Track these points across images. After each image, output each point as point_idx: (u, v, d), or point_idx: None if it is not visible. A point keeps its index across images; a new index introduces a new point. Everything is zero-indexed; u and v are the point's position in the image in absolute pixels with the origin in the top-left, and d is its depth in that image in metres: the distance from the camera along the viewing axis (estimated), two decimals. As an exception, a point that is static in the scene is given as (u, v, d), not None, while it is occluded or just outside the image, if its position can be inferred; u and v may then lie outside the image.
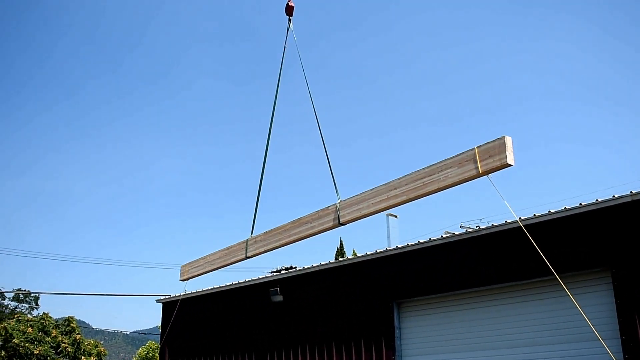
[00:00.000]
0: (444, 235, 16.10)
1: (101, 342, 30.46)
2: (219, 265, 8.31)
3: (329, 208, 6.69)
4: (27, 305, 63.30)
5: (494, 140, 5.15)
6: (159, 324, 25.72)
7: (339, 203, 6.55)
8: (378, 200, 6.07)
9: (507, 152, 5.02)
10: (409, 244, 16.75)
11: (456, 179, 5.39)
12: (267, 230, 7.58)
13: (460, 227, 24.42)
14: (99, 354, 28.38)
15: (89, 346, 28.10)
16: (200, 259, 8.76)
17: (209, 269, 8.50)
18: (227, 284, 22.06)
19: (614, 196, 13.15)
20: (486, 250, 15.12)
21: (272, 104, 7.22)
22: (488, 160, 5.15)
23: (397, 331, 16.70)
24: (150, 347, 37.58)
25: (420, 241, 16.46)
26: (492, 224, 15.19)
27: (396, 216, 25.27)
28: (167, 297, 24.93)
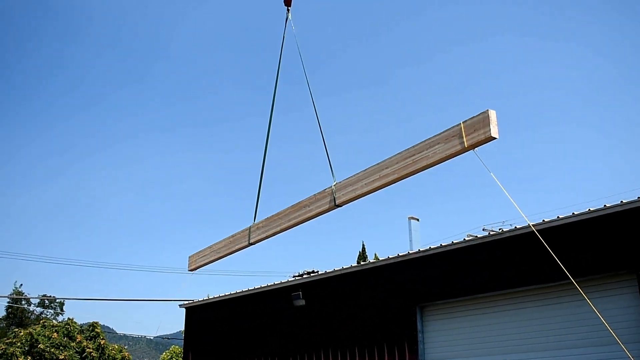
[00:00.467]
0: (466, 238, 16.12)
1: (125, 347, 31.00)
2: (225, 253, 8.56)
3: (326, 191, 6.89)
4: (52, 311, 64.63)
5: (478, 115, 5.29)
6: (182, 328, 26.08)
7: (334, 185, 6.74)
8: (371, 180, 6.26)
9: (491, 126, 5.15)
10: (432, 247, 16.79)
11: (443, 155, 5.55)
12: (268, 216, 7.81)
13: (483, 229, 24.26)
14: (123, 359, 28.87)
15: (113, 351, 28.63)
16: (207, 248, 9.02)
17: (215, 257, 8.75)
18: (250, 289, 22.32)
19: (639, 197, 13.07)
20: (509, 253, 15.08)
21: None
22: (473, 135, 5.29)
23: (420, 335, 16.72)
24: (174, 352, 38.04)
25: (443, 244, 16.48)
26: (515, 227, 15.16)
27: (418, 219, 25.26)
28: (190, 302, 25.28)
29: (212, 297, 24.22)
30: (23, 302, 64.88)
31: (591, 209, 13.81)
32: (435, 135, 5.67)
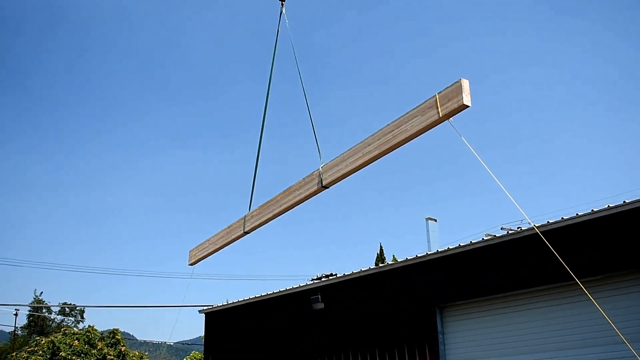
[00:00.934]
0: (484, 238, 16.07)
1: (146, 354, 31.40)
2: (222, 244, 8.72)
3: (313, 173, 7.03)
4: (73, 319, 65.74)
5: (451, 85, 5.38)
6: (202, 334, 26.33)
7: (321, 167, 6.87)
8: (355, 158, 6.37)
9: (463, 94, 5.23)
10: (450, 247, 16.76)
11: (420, 127, 5.64)
12: (262, 204, 7.97)
13: (501, 229, 24.04)
14: (143, 365, 29.23)
15: (134, 358, 29.04)
16: (205, 241, 9.21)
17: (213, 249, 8.91)
18: (269, 293, 22.47)
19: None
20: (528, 252, 15.00)
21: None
22: (447, 104, 5.38)
23: (440, 336, 16.69)
24: (194, 358, 38.37)
25: (461, 244, 16.44)
26: (534, 225, 15.07)
27: (436, 220, 25.21)
28: (209, 307, 25.53)
29: (231, 302, 24.42)
30: (44, 311, 66.14)
31: (610, 205, 13.74)
32: (413, 109, 5.77)
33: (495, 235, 15.97)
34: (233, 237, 8.44)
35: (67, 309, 65.94)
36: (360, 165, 6.32)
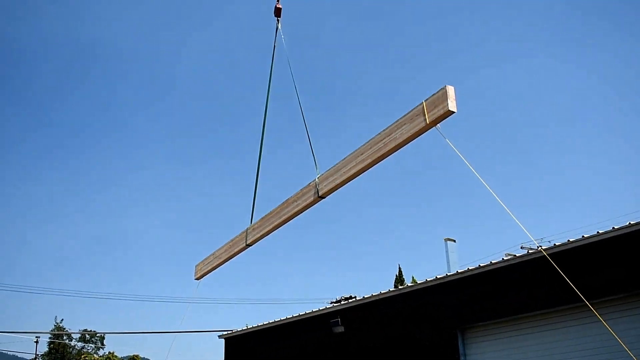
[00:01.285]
0: (505, 258, 16.07)
1: (164, 380, 31.47)
2: (225, 257, 8.97)
3: (310, 184, 7.27)
4: (93, 345, 66.39)
5: (437, 91, 5.58)
6: (222, 359, 26.48)
7: (318, 178, 7.11)
8: (349, 167, 6.59)
9: (448, 100, 5.43)
10: (470, 268, 16.77)
11: (409, 134, 5.84)
12: (262, 216, 8.24)
13: (521, 247, 23.93)
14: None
15: (152, 384, 29.18)
16: (210, 255, 9.47)
17: (217, 263, 9.16)
18: (288, 317, 22.60)
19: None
20: (550, 271, 14.95)
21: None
22: (434, 111, 5.57)
23: (462, 359, 16.64)
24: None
25: (481, 265, 16.45)
26: (554, 244, 15.05)
27: (454, 240, 25.25)
28: (229, 332, 25.71)
29: (250, 327, 24.61)
30: (64, 338, 66.88)
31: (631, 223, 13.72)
32: (401, 117, 5.99)
33: (515, 255, 15.96)
34: (236, 250, 8.69)
35: (87, 336, 66.72)
36: (354, 174, 6.52)
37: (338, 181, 6.69)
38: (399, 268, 39.30)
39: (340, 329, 20.33)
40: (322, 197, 6.99)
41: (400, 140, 5.91)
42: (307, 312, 21.95)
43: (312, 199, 7.11)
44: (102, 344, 66.89)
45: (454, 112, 5.41)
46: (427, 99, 5.66)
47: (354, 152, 6.56)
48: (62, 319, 66.83)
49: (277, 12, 9.22)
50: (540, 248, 12.46)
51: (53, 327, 65.90)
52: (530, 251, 15.91)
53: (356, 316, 20.16)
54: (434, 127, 5.59)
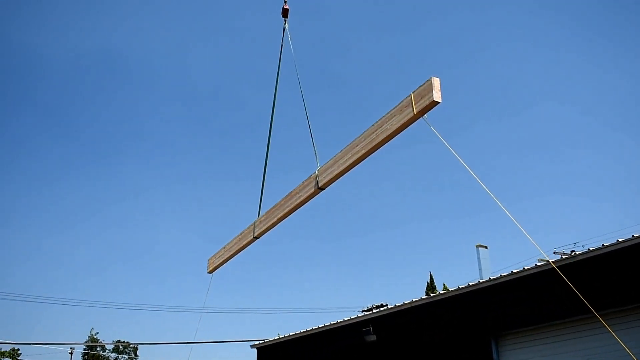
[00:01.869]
0: (537, 264, 16.20)
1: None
2: (235, 250, 9.55)
3: (311, 177, 7.79)
4: (126, 356, 67.79)
5: (424, 83, 6.00)
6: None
7: (317, 170, 7.61)
8: (345, 159, 7.07)
9: (434, 91, 5.83)
10: (502, 274, 16.94)
11: (399, 125, 6.28)
12: (268, 209, 8.80)
13: (554, 253, 23.89)
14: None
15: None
16: (221, 249, 10.07)
17: (228, 255, 9.73)
18: (320, 326, 23.00)
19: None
20: (583, 277, 15.06)
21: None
22: (421, 102, 5.99)
23: (496, 366, 16.80)
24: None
25: (514, 271, 16.61)
26: (588, 249, 15.13)
27: (486, 247, 25.32)
28: (261, 342, 26.23)
29: (282, 336, 25.09)
30: (98, 349, 68.51)
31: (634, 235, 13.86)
32: (392, 108, 6.43)
33: (548, 261, 16.08)
34: (245, 242, 9.27)
35: (121, 347, 68.28)
36: (351, 164, 7.00)
37: (336, 172, 7.17)
38: (430, 275, 39.67)
39: (372, 337, 20.64)
40: (322, 189, 7.48)
41: (391, 130, 6.34)
42: (338, 320, 22.31)
43: (312, 190, 7.60)
44: (136, 355, 68.45)
45: (439, 103, 5.81)
46: (414, 91, 6.08)
47: (349, 144, 7.03)
48: (98, 332, 68.47)
49: (285, 12, 9.89)
50: (550, 261, 12.62)
51: (87, 338, 67.64)
52: (563, 256, 16.02)
53: (388, 324, 20.45)
54: (421, 118, 6.02)
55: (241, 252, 9.55)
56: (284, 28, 9.81)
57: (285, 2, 9.84)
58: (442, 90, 5.88)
